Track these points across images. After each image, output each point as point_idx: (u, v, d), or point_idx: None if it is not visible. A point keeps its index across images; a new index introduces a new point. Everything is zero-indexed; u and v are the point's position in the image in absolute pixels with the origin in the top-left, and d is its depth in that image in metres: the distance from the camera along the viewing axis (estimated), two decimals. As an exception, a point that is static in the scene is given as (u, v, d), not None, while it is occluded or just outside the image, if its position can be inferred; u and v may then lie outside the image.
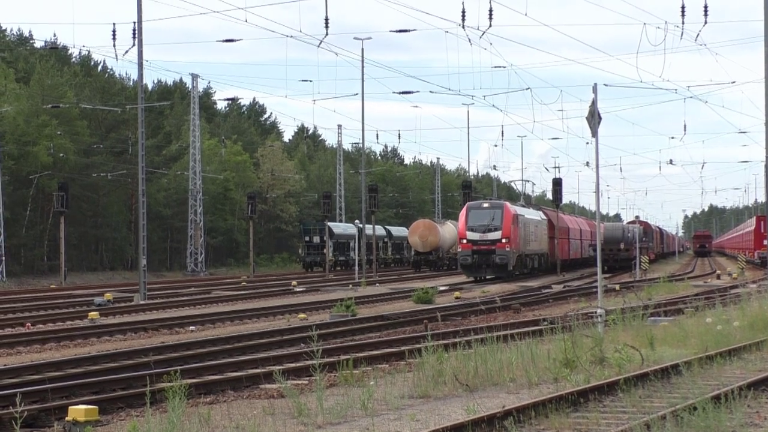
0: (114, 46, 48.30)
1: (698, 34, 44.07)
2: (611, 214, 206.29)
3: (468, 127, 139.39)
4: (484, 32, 42.71)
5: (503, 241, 60.52)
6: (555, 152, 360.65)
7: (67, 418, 14.42)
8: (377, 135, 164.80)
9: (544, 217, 75.37)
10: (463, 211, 63.46)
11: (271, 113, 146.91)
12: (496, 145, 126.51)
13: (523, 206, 73.70)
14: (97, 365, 21.50)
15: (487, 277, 61.21)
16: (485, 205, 63.87)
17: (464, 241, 61.39)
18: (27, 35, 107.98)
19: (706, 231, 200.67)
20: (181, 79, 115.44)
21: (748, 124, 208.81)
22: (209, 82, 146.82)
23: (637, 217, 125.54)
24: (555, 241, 76.41)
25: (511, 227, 61.07)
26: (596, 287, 30.04)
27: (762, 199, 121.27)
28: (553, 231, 76.34)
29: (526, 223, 66.89)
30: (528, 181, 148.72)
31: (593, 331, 22.13)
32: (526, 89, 66.01)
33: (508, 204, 64.69)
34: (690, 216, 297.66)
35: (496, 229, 60.76)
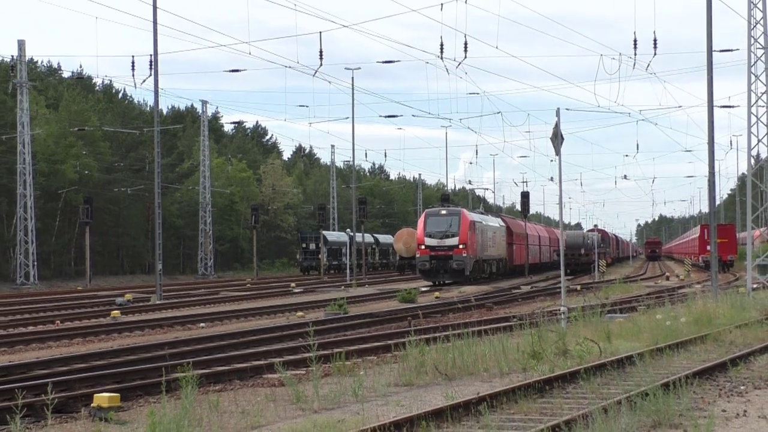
0: (133, 75, 48.44)
1: (649, 65, 44.29)
2: (573, 223, 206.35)
3: (446, 147, 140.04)
4: (460, 63, 42.83)
5: (460, 246, 56.69)
6: (523, 168, 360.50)
7: (92, 405, 14.40)
8: (366, 154, 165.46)
9: (503, 224, 72.19)
10: (422, 218, 59.81)
11: (272, 135, 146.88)
12: (471, 163, 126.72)
13: (482, 213, 69.98)
14: (119, 358, 21.49)
15: (446, 282, 57.44)
16: (443, 212, 59.08)
17: (422, 246, 57.47)
18: (56, 66, 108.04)
19: (657, 238, 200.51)
20: (192, 105, 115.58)
21: (693, 143, 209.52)
22: (217, 108, 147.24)
23: (595, 225, 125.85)
24: (513, 246, 73.49)
25: (468, 233, 57.42)
26: (560, 288, 30.08)
27: (705, 209, 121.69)
28: (511, 237, 73.20)
29: (484, 230, 63.04)
30: (487, 189, 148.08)
31: (557, 327, 22.15)
32: (498, 113, 66.25)
33: (465, 211, 60.84)
34: (642, 225, 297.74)
35: (453, 236, 56.90)
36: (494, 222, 69.37)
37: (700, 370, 16.92)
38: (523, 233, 77.77)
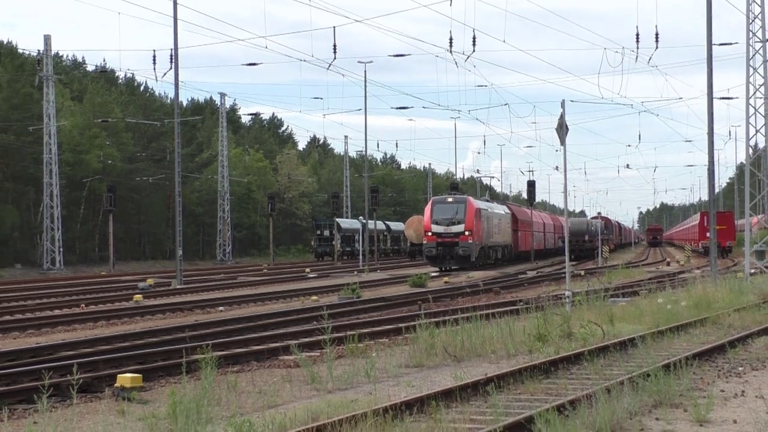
0: (154, 69, 48.73)
1: (650, 58, 44.29)
2: (577, 210, 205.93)
3: (455, 137, 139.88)
4: (468, 57, 42.79)
5: (466, 233, 55.81)
6: (529, 158, 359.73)
7: (116, 385, 14.43)
8: (378, 144, 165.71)
9: (508, 212, 71.09)
10: (429, 205, 58.81)
11: (288, 126, 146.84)
12: (479, 153, 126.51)
13: (488, 201, 68.94)
14: (141, 340, 21.54)
15: (452, 268, 56.39)
16: (449, 199, 57.86)
17: (429, 233, 56.61)
18: (80, 60, 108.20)
19: (658, 225, 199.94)
20: (211, 97, 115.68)
21: (693, 134, 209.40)
22: (235, 100, 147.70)
23: (599, 213, 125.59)
24: (518, 233, 72.46)
25: (473, 220, 56.43)
26: (565, 273, 30.06)
27: (705, 197, 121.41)
28: (516, 224, 72.15)
29: (490, 217, 62.02)
30: (493, 177, 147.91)
31: (562, 310, 22.13)
32: (505, 105, 66.29)
33: (471, 198, 59.80)
34: (644, 212, 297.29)
35: (459, 223, 55.99)
36: (500, 209, 68.45)
37: (699, 352, 16.90)
38: (529, 220, 77.16)
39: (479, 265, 58.20)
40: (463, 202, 57.46)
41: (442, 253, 56.31)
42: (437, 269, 57.00)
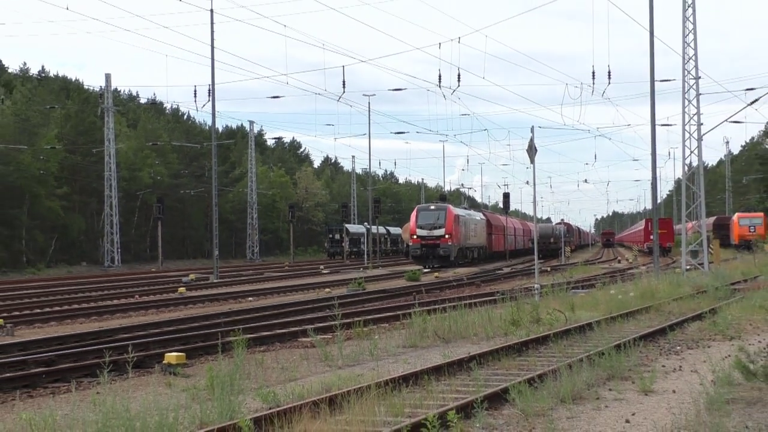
0: (195, 101, 48.69)
1: (604, 91, 44.33)
2: (544, 217, 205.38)
3: (443, 157, 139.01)
4: (454, 90, 42.74)
5: (446, 236, 54.44)
6: (504, 174, 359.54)
7: (164, 362, 14.44)
8: (380, 162, 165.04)
9: (483, 218, 69.64)
10: (414, 212, 57.19)
11: (305, 148, 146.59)
12: (463, 170, 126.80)
13: (466, 209, 67.26)
14: (185, 325, 21.54)
15: (434, 266, 54.56)
16: (432, 207, 56.85)
17: (414, 236, 55.34)
18: (135, 94, 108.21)
19: (611, 229, 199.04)
20: (242, 124, 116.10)
21: (639, 154, 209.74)
22: (262, 126, 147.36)
23: (562, 219, 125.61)
24: (492, 236, 71.12)
25: (453, 225, 55.04)
26: (534, 269, 30.03)
27: (649, 206, 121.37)
28: (491, 228, 70.73)
29: (467, 222, 60.65)
30: (470, 188, 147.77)
31: (532, 300, 22.12)
32: (484, 130, 66.42)
33: (450, 206, 57.79)
34: (599, 218, 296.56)
35: (440, 227, 54.61)
36: (476, 216, 67.17)
37: (645, 334, 16.89)
38: (501, 225, 76.43)
39: (458, 263, 57.13)
40: (443, 209, 56.13)
41: (425, 253, 55.19)
42: (428, 267, 55.80)
